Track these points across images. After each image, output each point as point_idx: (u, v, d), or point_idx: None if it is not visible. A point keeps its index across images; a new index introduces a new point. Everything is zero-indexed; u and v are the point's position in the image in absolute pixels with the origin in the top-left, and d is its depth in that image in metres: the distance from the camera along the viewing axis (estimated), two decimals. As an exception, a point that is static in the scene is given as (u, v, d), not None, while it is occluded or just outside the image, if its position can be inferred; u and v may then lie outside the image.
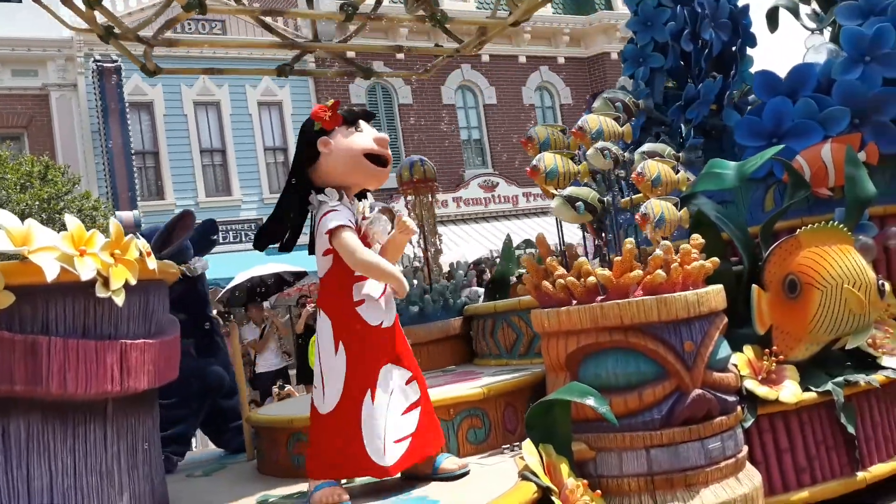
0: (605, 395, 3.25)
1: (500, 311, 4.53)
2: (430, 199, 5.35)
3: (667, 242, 3.36)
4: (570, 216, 3.43)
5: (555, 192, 3.52)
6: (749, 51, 6.03)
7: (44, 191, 11.22)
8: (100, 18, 3.86)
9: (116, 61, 15.89)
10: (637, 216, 3.40)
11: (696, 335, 3.29)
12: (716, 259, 3.49)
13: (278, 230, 3.12)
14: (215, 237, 4.67)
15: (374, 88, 19.62)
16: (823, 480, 3.71)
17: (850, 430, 3.72)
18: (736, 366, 3.64)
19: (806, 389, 3.74)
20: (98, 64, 15.89)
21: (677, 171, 3.65)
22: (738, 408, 3.47)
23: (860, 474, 3.76)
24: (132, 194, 15.67)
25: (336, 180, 3.04)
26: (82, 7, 3.73)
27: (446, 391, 3.52)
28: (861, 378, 3.83)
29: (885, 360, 4.01)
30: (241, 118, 17.75)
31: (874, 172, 4.51)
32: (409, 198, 5.33)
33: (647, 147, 3.77)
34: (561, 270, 3.45)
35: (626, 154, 3.51)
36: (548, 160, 3.55)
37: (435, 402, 3.36)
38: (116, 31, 4.01)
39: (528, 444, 3.00)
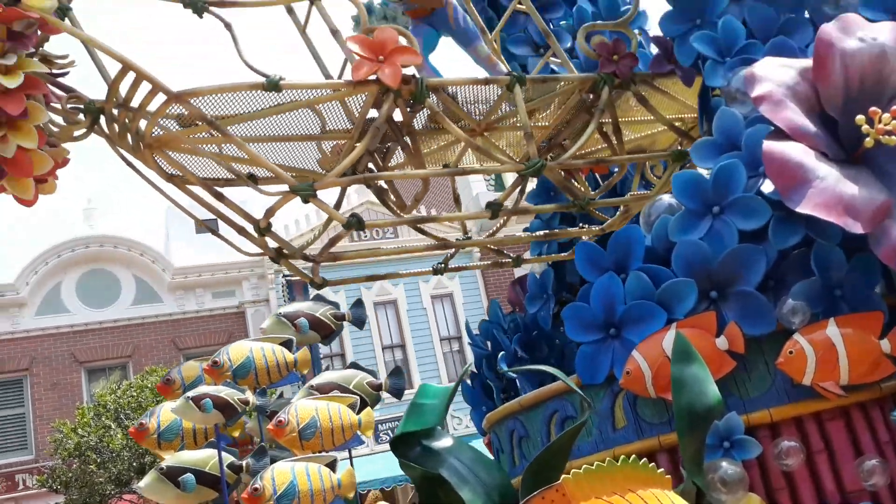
0: None
1: None
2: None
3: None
4: (171, 496, 2.44)
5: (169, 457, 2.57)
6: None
7: None
8: (270, 243, 4.33)
9: (303, 274, 17.48)
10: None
11: None
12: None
13: None
14: None
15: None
16: None
17: None
18: None
19: None
20: (287, 278, 17.46)
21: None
22: None
23: None
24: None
25: None
26: (255, 234, 4.15)
27: None
28: None
29: None
30: (416, 312, 18.92)
31: (748, 364, 3.20)
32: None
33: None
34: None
35: (256, 399, 2.51)
36: (165, 414, 2.62)
37: None
38: (285, 251, 4.44)
39: None
